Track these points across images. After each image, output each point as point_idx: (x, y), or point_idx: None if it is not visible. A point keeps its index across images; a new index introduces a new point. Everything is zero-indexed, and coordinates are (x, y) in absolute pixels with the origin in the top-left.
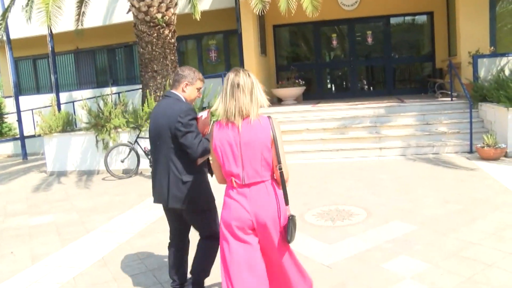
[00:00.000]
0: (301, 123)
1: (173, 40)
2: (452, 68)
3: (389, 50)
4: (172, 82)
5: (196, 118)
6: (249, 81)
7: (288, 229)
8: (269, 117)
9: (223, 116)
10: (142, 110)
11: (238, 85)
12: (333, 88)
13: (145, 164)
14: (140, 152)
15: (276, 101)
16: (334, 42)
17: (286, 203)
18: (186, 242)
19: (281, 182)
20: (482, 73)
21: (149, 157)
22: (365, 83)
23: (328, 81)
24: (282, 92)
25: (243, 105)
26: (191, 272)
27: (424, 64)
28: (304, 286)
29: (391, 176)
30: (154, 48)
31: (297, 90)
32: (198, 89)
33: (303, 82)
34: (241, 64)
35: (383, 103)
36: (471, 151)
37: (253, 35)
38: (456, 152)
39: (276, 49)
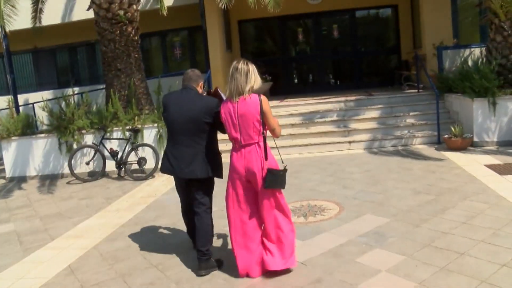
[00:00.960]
0: None
1: (136, 37)
2: (418, 60)
3: (356, 44)
4: (189, 78)
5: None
6: (246, 68)
7: (266, 178)
8: (259, 95)
9: (228, 94)
10: (107, 110)
11: (237, 69)
12: (301, 83)
13: (111, 166)
14: (106, 153)
15: None
16: (300, 36)
17: (266, 159)
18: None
19: (264, 144)
20: (447, 64)
21: (116, 158)
22: (331, 77)
23: (295, 76)
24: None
25: (239, 84)
26: (201, 254)
27: (390, 56)
28: (288, 225)
29: (361, 169)
30: (117, 46)
31: (264, 86)
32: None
33: (270, 77)
34: (206, 61)
35: (351, 97)
36: (439, 142)
37: (218, 31)
38: (424, 144)
39: (242, 44)
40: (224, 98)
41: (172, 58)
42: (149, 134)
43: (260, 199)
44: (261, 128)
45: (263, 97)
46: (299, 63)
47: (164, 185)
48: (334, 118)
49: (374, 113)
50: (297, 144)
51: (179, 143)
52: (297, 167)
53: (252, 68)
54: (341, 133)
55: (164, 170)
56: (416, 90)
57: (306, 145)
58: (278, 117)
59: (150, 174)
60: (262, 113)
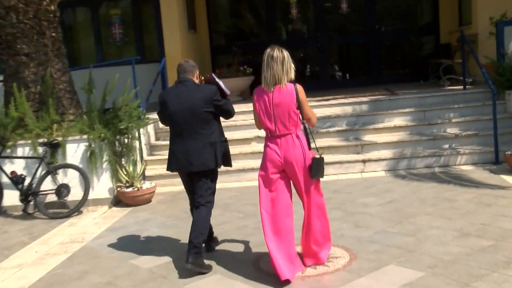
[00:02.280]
0: (250, 128)
1: (53, 7)
2: (465, 43)
3: (373, 21)
4: (184, 70)
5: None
6: (281, 55)
7: (311, 167)
8: (294, 83)
9: (263, 84)
10: (6, 115)
11: (273, 57)
12: (295, 77)
13: (14, 198)
14: (5, 179)
15: None
16: (294, 11)
17: (309, 148)
18: None
19: (305, 134)
20: (510, 48)
21: (21, 186)
22: (337, 68)
23: None
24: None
25: (276, 73)
26: (193, 246)
27: (423, 39)
28: (325, 216)
29: (380, 200)
30: (21, 18)
31: (243, 81)
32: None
33: (251, 69)
34: (160, 46)
35: (366, 97)
36: (497, 161)
37: (176, 2)
38: (474, 164)
39: (211, 22)
40: (221, 83)
41: (110, 40)
42: (75, 151)
43: (299, 190)
44: (298, 118)
45: (299, 86)
46: (292, 48)
47: (96, 224)
48: (342, 127)
49: (400, 120)
50: None
51: (185, 137)
52: None
53: (287, 54)
54: (352, 149)
55: (173, 168)
56: (461, 87)
57: None
58: None
59: (76, 210)
60: (299, 102)
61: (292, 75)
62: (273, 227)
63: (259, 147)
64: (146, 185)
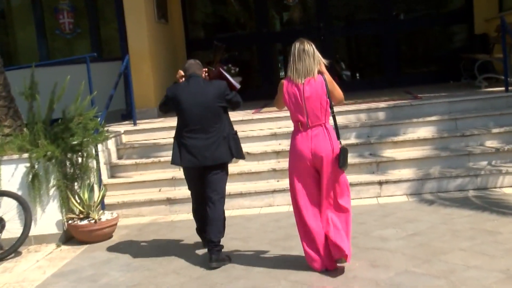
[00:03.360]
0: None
1: None
2: (506, 33)
3: (389, 7)
4: (192, 66)
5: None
6: (311, 48)
7: (339, 157)
8: (322, 74)
9: (294, 76)
10: None
11: (304, 50)
12: None
13: None
14: None
15: None
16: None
17: (338, 138)
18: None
19: (334, 124)
20: None
21: None
22: (344, 66)
23: (280, 66)
24: None
25: (308, 66)
26: (214, 245)
27: (453, 28)
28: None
29: (402, 231)
30: None
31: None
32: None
33: (237, 68)
34: (122, 40)
35: (382, 102)
36: None
37: None
38: None
39: (187, 10)
40: (229, 77)
41: (57, 32)
42: (12, 174)
43: (329, 183)
44: (328, 109)
45: (327, 75)
46: (288, 43)
47: (39, 268)
48: (352, 140)
49: (424, 131)
50: (286, 187)
51: (198, 132)
52: (288, 230)
53: (314, 47)
54: (365, 167)
55: (185, 163)
56: (502, 88)
57: None
58: (251, 139)
59: (13, 250)
60: (329, 93)
61: (323, 67)
62: (311, 234)
63: (249, 166)
64: (106, 216)
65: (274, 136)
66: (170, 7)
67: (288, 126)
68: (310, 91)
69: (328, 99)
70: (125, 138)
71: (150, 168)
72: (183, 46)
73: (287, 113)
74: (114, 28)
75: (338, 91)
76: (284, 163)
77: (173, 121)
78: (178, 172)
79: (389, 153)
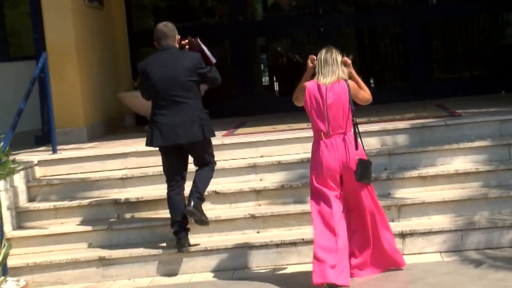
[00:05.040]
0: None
1: None
2: None
3: None
4: (165, 35)
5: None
6: (339, 56)
7: (357, 168)
8: (345, 80)
9: (320, 79)
10: None
11: (332, 57)
12: (281, 86)
13: None
14: None
15: (134, 122)
16: None
17: (356, 148)
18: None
19: (354, 133)
20: None
21: None
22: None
23: (263, 68)
24: (145, 101)
25: (331, 73)
26: (196, 191)
27: (506, 17)
28: (389, 236)
29: None
30: None
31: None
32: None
33: None
34: (37, 30)
35: (405, 120)
36: None
37: None
38: None
39: None
40: (206, 49)
41: None
42: None
43: (356, 198)
44: (351, 116)
45: (351, 82)
46: (272, 35)
47: None
48: None
49: (465, 161)
50: (269, 241)
51: (169, 109)
52: None
53: (338, 53)
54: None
55: (157, 143)
56: None
57: (293, 243)
58: (222, 171)
59: None
60: (351, 100)
61: (346, 74)
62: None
63: (218, 211)
64: (9, 285)
65: (254, 168)
66: None
67: (274, 153)
68: (332, 98)
69: (350, 106)
70: (40, 172)
71: (75, 214)
72: (125, 40)
73: (272, 136)
74: (25, 15)
75: (362, 94)
76: (267, 207)
77: (111, 147)
78: (116, 220)
79: (415, 192)
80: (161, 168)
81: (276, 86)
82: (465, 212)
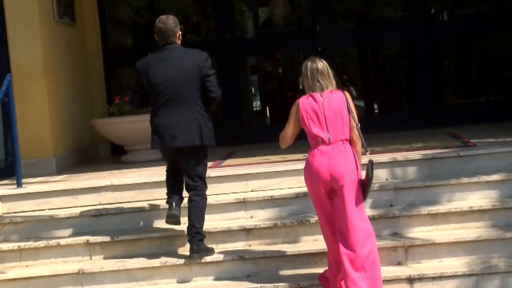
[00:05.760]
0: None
1: None
2: None
3: (426, 1)
4: (165, 33)
5: None
6: (326, 67)
7: (367, 186)
8: (341, 90)
9: (307, 91)
10: None
11: (318, 69)
12: (273, 112)
13: None
14: None
15: (109, 152)
16: None
17: (366, 151)
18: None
19: (360, 138)
20: None
21: None
22: (355, 93)
23: (254, 91)
24: (122, 128)
25: (324, 84)
26: (195, 232)
27: None
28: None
29: None
30: None
31: None
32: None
33: None
34: (1, 48)
35: (412, 151)
36: None
37: None
38: None
39: (105, 4)
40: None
41: None
42: None
43: (347, 209)
44: (349, 123)
45: (346, 93)
46: (264, 53)
47: None
48: (366, 210)
49: (480, 198)
50: (260, 286)
51: (168, 111)
52: None
53: (326, 64)
54: (387, 254)
55: (154, 145)
56: None
57: None
58: (208, 207)
59: None
60: (350, 107)
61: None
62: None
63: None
64: None
65: (243, 204)
66: (80, 0)
67: (266, 187)
68: (329, 104)
69: (349, 113)
70: (2, 208)
71: (42, 256)
72: (99, 59)
73: (264, 168)
74: None
75: (355, 118)
76: (258, 248)
77: (83, 180)
78: (88, 262)
79: (424, 232)
80: (139, 204)
81: (269, 112)
82: (481, 254)
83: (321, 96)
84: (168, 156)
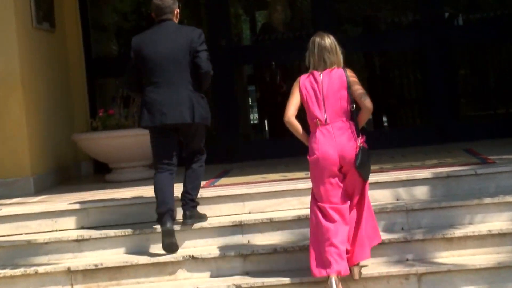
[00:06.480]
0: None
1: None
2: None
3: (438, 3)
4: (159, 10)
5: None
6: (334, 44)
7: (357, 154)
8: (344, 68)
9: (311, 67)
10: None
11: (325, 47)
12: (272, 126)
13: None
14: None
15: (92, 170)
16: None
17: (358, 135)
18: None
19: (355, 122)
20: None
21: None
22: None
23: (251, 102)
24: (106, 144)
25: (330, 62)
26: (190, 199)
27: None
28: (373, 232)
29: None
30: None
31: None
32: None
33: None
34: None
35: (426, 168)
36: None
37: None
38: None
39: (88, 9)
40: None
41: None
42: None
43: (352, 188)
44: (349, 104)
45: (348, 69)
46: (262, 62)
47: None
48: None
49: (501, 220)
50: None
51: (160, 88)
52: None
53: (334, 39)
54: (397, 282)
55: (144, 122)
56: None
57: None
58: (201, 230)
59: None
60: (350, 87)
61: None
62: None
63: (195, 280)
64: None
65: (240, 227)
66: (61, 4)
67: (264, 209)
68: (328, 83)
69: (349, 95)
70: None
71: (19, 285)
72: (82, 69)
73: (262, 188)
74: None
75: (362, 88)
76: (256, 276)
77: (64, 201)
78: None
79: (439, 258)
80: (125, 229)
81: (267, 125)
82: (502, 282)
83: (321, 75)
84: (157, 135)
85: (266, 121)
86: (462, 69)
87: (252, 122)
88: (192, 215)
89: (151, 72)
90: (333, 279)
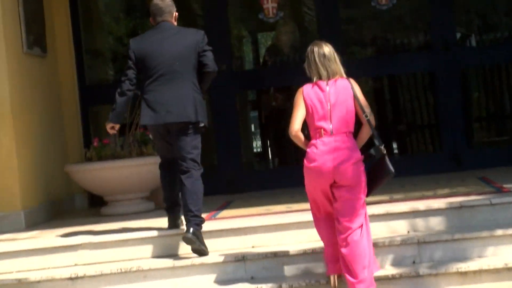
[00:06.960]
0: (168, 278)
1: None
2: None
3: (450, 24)
4: (161, 10)
5: None
6: (333, 52)
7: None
8: (347, 78)
9: (314, 78)
10: None
11: (325, 55)
12: (275, 155)
13: None
14: None
15: (87, 203)
16: (270, 7)
17: (379, 143)
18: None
19: (370, 126)
20: None
21: None
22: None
23: (254, 130)
24: (101, 175)
25: (332, 70)
26: (192, 215)
27: None
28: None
29: None
30: None
31: (156, 167)
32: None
33: None
34: None
35: (438, 198)
36: None
37: None
38: None
39: (81, 33)
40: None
41: None
42: None
43: (344, 206)
44: (354, 115)
45: (352, 80)
46: (263, 86)
47: None
48: (386, 268)
49: None
50: None
51: (162, 86)
52: None
53: (332, 48)
54: None
55: (146, 120)
56: None
57: None
58: (200, 266)
59: None
60: (357, 98)
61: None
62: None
63: None
64: None
65: (242, 263)
66: (52, 28)
67: (268, 243)
68: (335, 93)
69: (355, 106)
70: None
71: None
72: (75, 96)
73: (266, 220)
74: None
75: (367, 104)
76: None
77: (56, 237)
78: None
79: None
80: (122, 265)
81: (271, 154)
82: None
83: (327, 84)
84: (159, 136)
85: (270, 149)
86: (476, 93)
87: (255, 150)
88: (195, 232)
89: (154, 71)
90: None
